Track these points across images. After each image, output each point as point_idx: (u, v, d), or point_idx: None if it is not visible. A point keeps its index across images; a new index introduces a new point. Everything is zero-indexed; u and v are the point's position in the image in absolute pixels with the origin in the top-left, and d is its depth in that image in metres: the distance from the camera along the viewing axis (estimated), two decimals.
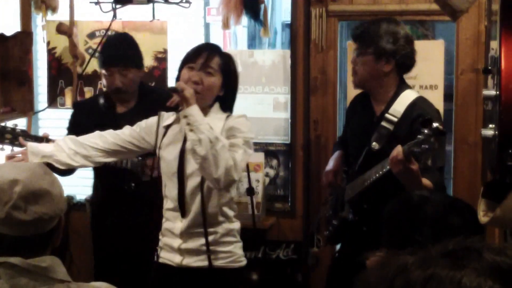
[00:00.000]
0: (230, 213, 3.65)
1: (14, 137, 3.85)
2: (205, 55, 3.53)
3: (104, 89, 4.77)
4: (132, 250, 4.33)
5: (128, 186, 4.26)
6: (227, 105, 3.64)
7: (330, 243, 4.37)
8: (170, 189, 3.58)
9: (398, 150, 3.36)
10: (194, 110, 3.35)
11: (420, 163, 3.33)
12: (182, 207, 3.53)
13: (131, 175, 4.27)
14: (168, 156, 3.57)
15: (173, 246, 3.58)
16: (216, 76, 3.53)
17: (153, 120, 3.66)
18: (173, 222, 3.58)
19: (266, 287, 5.03)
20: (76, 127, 4.36)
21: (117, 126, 4.28)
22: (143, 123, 3.67)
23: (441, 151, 3.72)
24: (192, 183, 3.52)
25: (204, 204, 3.50)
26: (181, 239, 3.55)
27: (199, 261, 3.55)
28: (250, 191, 4.89)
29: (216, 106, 3.59)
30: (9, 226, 2.05)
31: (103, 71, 4.30)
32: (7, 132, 3.83)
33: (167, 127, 3.61)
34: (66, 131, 4.43)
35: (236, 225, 3.69)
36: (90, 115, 4.38)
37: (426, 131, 3.26)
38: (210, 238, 3.54)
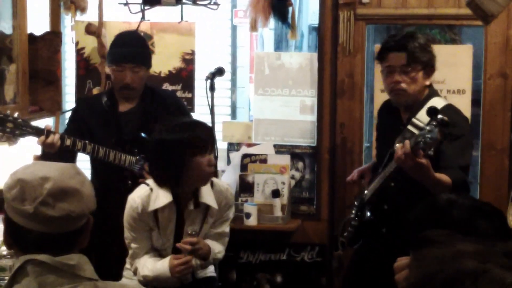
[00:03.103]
0: None
1: (15, 127, 3.89)
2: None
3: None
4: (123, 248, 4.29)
5: (125, 185, 4.26)
6: None
7: (349, 245, 4.36)
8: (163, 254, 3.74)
9: (405, 144, 3.34)
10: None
11: (425, 152, 3.30)
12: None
13: (128, 174, 4.28)
14: (164, 233, 3.68)
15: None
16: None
17: (134, 214, 3.63)
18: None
19: None
20: (77, 123, 4.40)
21: (119, 124, 4.31)
22: (134, 224, 3.65)
23: (467, 150, 3.69)
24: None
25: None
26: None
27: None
28: (276, 193, 4.90)
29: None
30: (37, 222, 2.06)
31: (114, 67, 4.33)
32: (8, 121, 3.87)
33: (155, 210, 3.64)
34: (66, 126, 4.48)
35: None
36: (93, 112, 4.42)
37: (431, 122, 3.26)
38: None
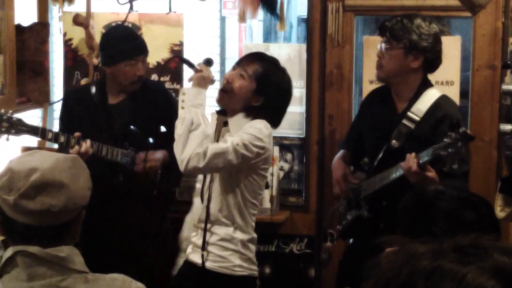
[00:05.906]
0: (239, 221, 3.56)
1: (10, 126, 3.87)
2: (246, 59, 3.58)
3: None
4: (120, 243, 4.27)
5: (117, 179, 4.23)
6: (263, 116, 3.54)
7: (342, 238, 4.37)
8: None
9: (411, 162, 3.39)
10: (193, 91, 3.44)
11: (445, 167, 3.33)
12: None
13: (119, 168, 4.24)
14: None
15: (189, 238, 3.69)
16: (247, 81, 3.49)
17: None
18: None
19: (279, 281, 5.03)
20: (69, 116, 4.37)
21: (109, 117, 4.28)
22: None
23: (467, 156, 3.70)
24: (208, 179, 3.57)
25: (209, 201, 3.52)
26: (193, 231, 3.65)
27: (196, 258, 3.56)
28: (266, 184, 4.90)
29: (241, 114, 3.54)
30: (18, 213, 2.05)
31: (131, 62, 4.25)
32: (3, 120, 3.85)
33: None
34: (59, 121, 4.46)
35: (242, 235, 3.60)
36: (82, 104, 4.38)
37: (453, 134, 3.26)
38: (208, 237, 3.53)
